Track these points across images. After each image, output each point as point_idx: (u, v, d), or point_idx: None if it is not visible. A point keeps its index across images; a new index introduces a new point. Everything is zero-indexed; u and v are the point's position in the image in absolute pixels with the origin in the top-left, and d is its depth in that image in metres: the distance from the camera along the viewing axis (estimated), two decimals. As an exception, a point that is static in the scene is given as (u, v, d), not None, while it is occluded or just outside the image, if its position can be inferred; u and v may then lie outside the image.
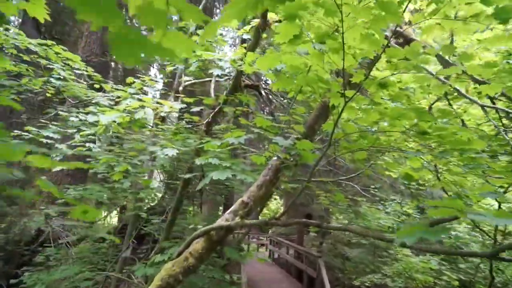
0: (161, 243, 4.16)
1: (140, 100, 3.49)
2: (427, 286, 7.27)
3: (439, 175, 3.28)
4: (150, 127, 4.73)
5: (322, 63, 2.21)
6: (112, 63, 16.20)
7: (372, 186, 9.99)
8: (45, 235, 8.17)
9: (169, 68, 4.59)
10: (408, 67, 2.00)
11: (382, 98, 2.36)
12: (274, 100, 7.49)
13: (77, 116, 4.04)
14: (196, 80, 6.82)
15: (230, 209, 3.37)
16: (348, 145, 2.41)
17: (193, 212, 7.02)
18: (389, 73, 2.00)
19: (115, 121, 3.86)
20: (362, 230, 2.09)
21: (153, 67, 21.03)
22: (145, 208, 9.48)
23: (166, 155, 3.17)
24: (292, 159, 3.13)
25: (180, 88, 6.18)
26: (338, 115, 2.26)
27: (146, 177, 5.53)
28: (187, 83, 6.62)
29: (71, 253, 7.87)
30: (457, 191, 2.81)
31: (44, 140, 3.76)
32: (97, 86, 5.64)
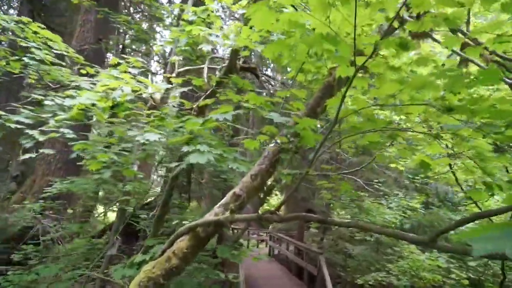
0: (147, 241, 3.76)
1: (119, 78, 3.08)
2: (435, 286, 6.89)
3: (460, 162, 2.86)
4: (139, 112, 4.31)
5: (327, 21, 1.79)
6: (108, 53, 15.78)
7: (376, 180, 9.58)
8: (34, 231, 7.80)
9: (157, 48, 4.16)
10: (437, 22, 1.57)
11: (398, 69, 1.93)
12: (273, 87, 7.06)
13: (52, 100, 3.62)
14: (190, 67, 6.41)
15: (220, 202, 2.97)
16: (358, 125, 1.99)
17: (184, 205, 6.62)
18: (415, 27, 1.58)
19: (94, 105, 3.46)
20: (378, 228, 1.68)
21: (153, 60, 20.61)
22: (141, 202, 9.10)
23: (148, 140, 2.77)
24: (291, 145, 2.72)
25: (173, 74, 5.76)
26: (347, 86, 1.85)
27: (135, 167, 5.12)
28: (180, 69, 6.22)
29: (59, 250, 7.50)
30: (483, 181, 2.39)
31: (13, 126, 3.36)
32: (83, 71, 5.22)
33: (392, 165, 7.35)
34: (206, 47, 3.32)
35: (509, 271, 7.84)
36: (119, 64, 4.16)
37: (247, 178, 2.95)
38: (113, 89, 3.07)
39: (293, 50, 3.48)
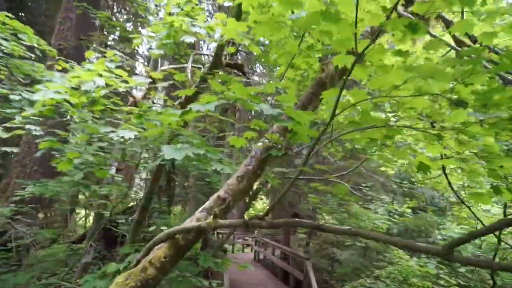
0: (123, 248, 3.46)
1: (92, 70, 2.80)
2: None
3: (461, 164, 2.68)
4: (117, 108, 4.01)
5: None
6: (90, 54, 15.29)
7: (364, 185, 9.44)
8: (6, 237, 7.34)
9: (136, 41, 3.88)
10: (450, 1, 1.37)
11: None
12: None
13: (20, 94, 3.31)
14: (175, 66, 6.16)
15: (203, 206, 2.71)
16: (357, 120, 1.78)
17: (167, 209, 6.30)
18: (423, 9, 1.38)
19: (66, 100, 3.17)
20: (383, 237, 1.46)
21: (139, 62, 20.13)
22: (119, 206, 8.70)
23: (123, 138, 2.49)
24: (280, 144, 2.49)
25: (157, 72, 5.49)
26: (346, 75, 1.63)
27: (113, 169, 4.80)
28: (164, 67, 5.97)
29: (35, 257, 7.07)
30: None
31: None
32: (59, 67, 4.90)
33: (382, 169, 7.20)
34: (188, 39, 3.07)
35: (497, 275, 7.78)
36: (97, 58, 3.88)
37: (232, 180, 2.71)
38: (86, 81, 2.79)
39: (283, 46, 3.27)
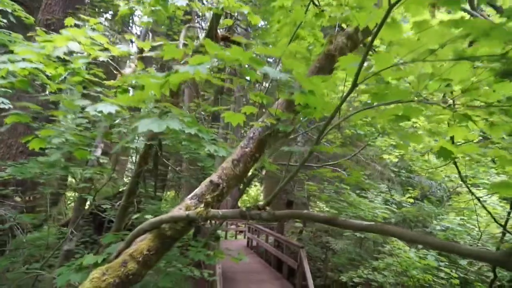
0: (106, 237, 3.14)
1: (66, 36, 2.43)
2: (424, 285, 6.56)
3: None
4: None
5: None
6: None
7: (362, 173, 9.18)
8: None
9: (122, 10, 3.49)
10: None
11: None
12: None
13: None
14: (166, 43, 5.75)
15: (194, 192, 2.38)
16: (383, 90, 1.46)
17: (157, 195, 5.98)
18: None
19: (41, 70, 2.81)
20: (415, 235, 1.16)
21: (133, 42, 19.49)
22: (107, 190, 8.38)
23: (101, 112, 2.16)
24: (284, 121, 2.16)
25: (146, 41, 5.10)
26: (372, 37, 1.31)
27: (98, 150, 4.46)
28: (155, 44, 5.58)
29: (17, 241, 6.76)
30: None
31: None
32: (39, 40, 4.51)
33: (385, 156, 6.93)
34: (181, 2, 2.71)
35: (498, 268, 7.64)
36: (77, 26, 3.49)
37: (227, 163, 2.38)
38: (60, 47, 2.42)
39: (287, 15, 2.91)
